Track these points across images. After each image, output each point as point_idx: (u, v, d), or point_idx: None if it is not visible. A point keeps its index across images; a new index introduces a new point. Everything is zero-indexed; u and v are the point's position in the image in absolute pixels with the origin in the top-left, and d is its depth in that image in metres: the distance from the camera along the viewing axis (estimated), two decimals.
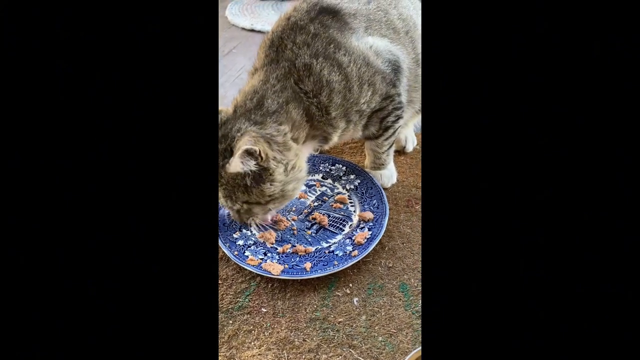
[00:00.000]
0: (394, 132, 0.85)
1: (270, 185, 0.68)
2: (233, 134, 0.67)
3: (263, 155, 0.66)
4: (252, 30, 1.76)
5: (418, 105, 0.90)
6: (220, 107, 0.74)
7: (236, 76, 1.45)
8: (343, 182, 0.92)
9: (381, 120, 0.81)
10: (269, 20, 1.81)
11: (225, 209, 0.86)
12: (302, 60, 0.71)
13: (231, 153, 0.66)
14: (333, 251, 0.77)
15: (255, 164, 0.66)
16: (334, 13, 0.75)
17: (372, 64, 0.75)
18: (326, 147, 0.82)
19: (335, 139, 0.78)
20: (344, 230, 0.82)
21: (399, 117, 0.83)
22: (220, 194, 0.71)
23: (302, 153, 0.75)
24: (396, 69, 0.78)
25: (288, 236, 0.82)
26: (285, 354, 0.64)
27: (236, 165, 0.65)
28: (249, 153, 0.65)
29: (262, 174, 0.67)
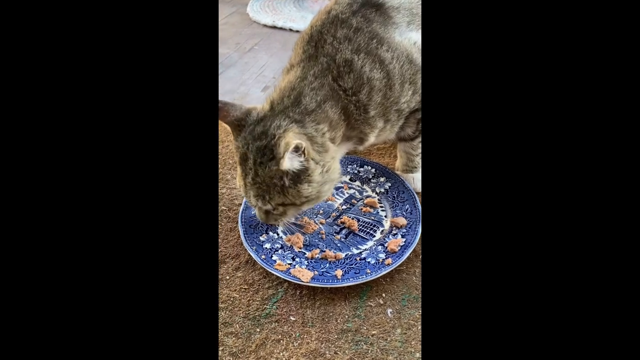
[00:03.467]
0: None
1: (308, 186, 0.65)
2: (273, 131, 0.63)
3: (306, 152, 0.62)
4: (274, 27, 1.73)
5: None
6: (249, 106, 0.71)
7: (258, 73, 1.42)
8: (372, 184, 0.88)
9: (419, 121, 0.77)
10: (290, 17, 1.78)
11: (253, 208, 0.82)
12: (343, 55, 0.67)
13: (271, 151, 0.62)
14: (365, 258, 0.73)
15: (300, 162, 0.62)
16: (377, 6, 0.71)
17: (415, 62, 0.71)
18: (360, 149, 0.78)
19: (371, 139, 0.74)
20: (374, 236, 0.78)
21: None
22: (249, 193, 0.67)
23: (337, 155, 0.71)
24: None
25: (316, 240, 0.78)
26: None
27: (287, 162, 0.61)
28: (297, 149, 0.61)
29: (300, 175, 0.64)
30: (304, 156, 0.62)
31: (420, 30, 0.74)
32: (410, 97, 0.72)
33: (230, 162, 0.97)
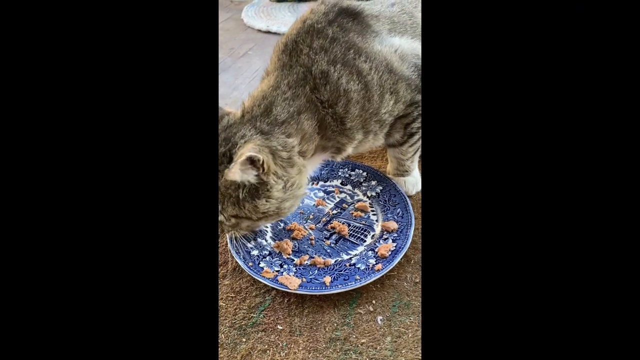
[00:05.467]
0: (419, 138, 0.79)
1: (266, 201, 0.62)
2: (236, 140, 0.61)
3: (265, 167, 0.60)
4: (268, 32, 1.73)
5: None
6: (230, 109, 0.70)
7: (252, 78, 1.42)
8: (364, 188, 0.87)
9: (405, 126, 0.76)
10: (284, 22, 1.78)
11: None
12: (319, 67, 0.65)
13: (230, 159, 0.60)
14: (354, 264, 0.71)
15: (255, 175, 0.60)
16: (354, 15, 0.69)
17: (396, 71, 0.69)
18: (338, 159, 0.76)
19: (349, 150, 0.72)
20: (365, 241, 0.76)
21: None
22: None
23: (307, 169, 0.68)
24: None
25: (305, 246, 0.76)
26: None
27: (235, 172, 0.59)
28: (251, 161, 0.59)
29: (258, 189, 0.62)
30: (262, 170, 0.60)
31: (403, 37, 0.73)
32: (391, 107, 0.70)
33: None
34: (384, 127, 0.72)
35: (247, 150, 0.58)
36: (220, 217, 0.65)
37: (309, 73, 0.65)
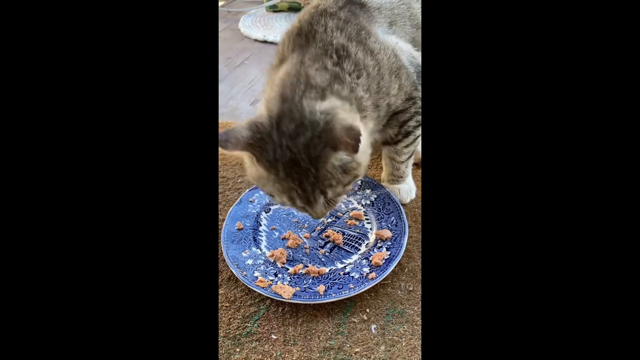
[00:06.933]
0: (415, 139, 0.80)
1: (361, 155, 0.59)
2: (315, 119, 0.56)
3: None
4: (265, 42, 1.75)
5: None
6: (240, 122, 0.62)
7: (248, 87, 1.43)
8: (358, 196, 0.87)
9: (401, 124, 0.77)
10: (281, 31, 1.80)
11: (235, 224, 0.81)
12: (339, 41, 0.66)
13: (324, 142, 0.55)
14: (348, 273, 0.72)
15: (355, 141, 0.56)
16: (361, 4, 0.73)
17: (400, 57, 0.72)
18: None
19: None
20: (359, 249, 0.77)
21: (420, 124, 0.78)
22: (314, 198, 0.59)
23: None
24: (418, 72, 0.75)
25: (300, 255, 0.76)
26: None
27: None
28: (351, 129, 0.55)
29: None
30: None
31: (402, 38, 0.75)
32: (397, 91, 0.72)
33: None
34: (387, 114, 0.73)
35: (347, 120, 0.56)
36: (330, 194, 0.60)
37: (330, 46, 0.65)
